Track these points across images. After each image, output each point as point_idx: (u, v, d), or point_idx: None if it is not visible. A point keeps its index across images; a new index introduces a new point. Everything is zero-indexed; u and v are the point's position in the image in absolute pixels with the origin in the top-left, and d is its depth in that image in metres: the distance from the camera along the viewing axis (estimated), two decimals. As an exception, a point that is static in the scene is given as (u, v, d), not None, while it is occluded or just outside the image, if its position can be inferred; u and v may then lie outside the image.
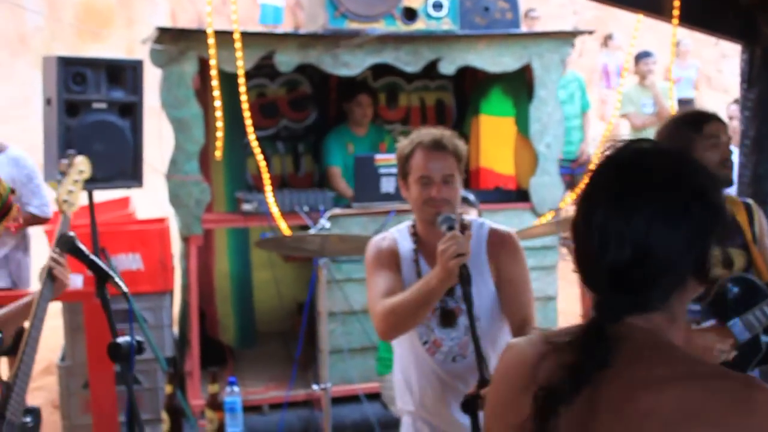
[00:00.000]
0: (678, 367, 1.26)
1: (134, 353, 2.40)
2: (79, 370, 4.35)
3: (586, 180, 1.39)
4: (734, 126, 5.01)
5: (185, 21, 10.58)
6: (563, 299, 5.44)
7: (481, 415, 2.32)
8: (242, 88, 4.53)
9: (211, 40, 4.40)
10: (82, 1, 11.62)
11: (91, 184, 3.55)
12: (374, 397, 4.51)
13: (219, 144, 4.58)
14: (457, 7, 4.91)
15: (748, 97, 4.34)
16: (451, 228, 2.48)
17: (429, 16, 4.84)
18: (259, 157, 4.65)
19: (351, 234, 4.47)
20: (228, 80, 4.68)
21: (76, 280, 3.73)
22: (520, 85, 5.31)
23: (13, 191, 2.59)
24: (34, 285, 5.09)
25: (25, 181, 5.05)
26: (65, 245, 2.59)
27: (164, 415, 4.02)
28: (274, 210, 4.59)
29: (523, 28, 6.10)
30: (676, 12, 4.26)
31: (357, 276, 4.72)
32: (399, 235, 2.77)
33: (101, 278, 2.52)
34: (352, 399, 4.66)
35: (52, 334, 4.31)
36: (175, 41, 4.54)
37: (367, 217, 4.80)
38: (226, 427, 4.11)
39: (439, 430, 2.75)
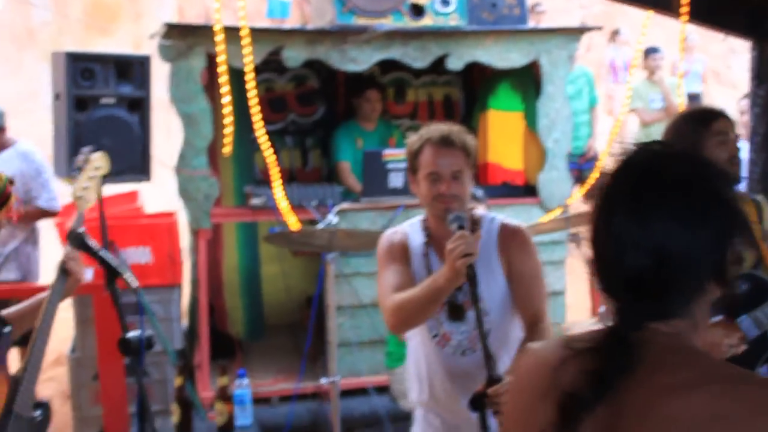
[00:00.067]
0: (704, 372, 1.25)
1: (144, 348, 2.41)
2: (89, 361, 4.37)
3: (600, 185, 1.37)
4: (745, 121, 5.00)
5: (192, 15, 10.59)
6: (571, 294, 5.45)
7: (489, 413, 2.34)
8: (250, 85, 4.54)
9: (219, 37, 4.41)
10: (89, -5, 11.63)
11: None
12: (383, 390, 4.54)
13: (228, 140, 4.59)
14: (464, 3, 4.90)
15: (757, 93, 4.33)
16: (460, 227, 2.49)
17: (437, 12, 4.85)
18: (268, 152, 4.66)
19: (359, 230, 4.48)
20: (236, 75, 4.69)
21: (86, 273, 3.76)
22: (528, 81, 5.31)
23: (11, 181, 2.59)
24: (44, 278, 5.13)
25: (34, 175, 5.08)
26: (75, 242, 2.60)
27: (174, 407, 4.06)
28: (283, 205, 4.60)
29: (530, 23, 6.09)
30: (685, 9, 4.26)
31: (365, 270, 4.75)
32: (411, 229, 2.78)
33: (111, 274, 2.53)
34: (361, 392, 4.69)
35: (63, 326, 4.34)
36: (183, 37, 4.56)
37: (375, 212, 4.81)
38: (236, 418, 4.16)
39: (450, 424, 2.77)
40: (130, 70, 4.16)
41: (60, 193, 5.21)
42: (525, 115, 5.40)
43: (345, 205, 4.77)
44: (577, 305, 6.09)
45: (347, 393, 4.50)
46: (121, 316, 2.50)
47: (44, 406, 2.63)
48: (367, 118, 5.46)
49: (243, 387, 4.20)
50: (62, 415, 4.96)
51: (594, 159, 7.27)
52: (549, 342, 1.45)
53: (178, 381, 4.05)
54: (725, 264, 1.30)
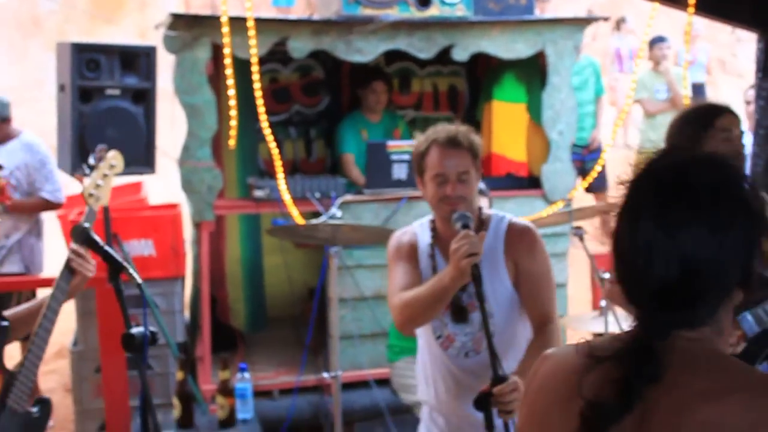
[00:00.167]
0: (735, 377, 1.24)
1: (147, 344, 2.41)
2: (91, 354, 4.39)
3: (624, 194, 1.34)
4: (751, 111, 4.96)
5: (198, 5, 10.55)
6: (573, 286, 5.45)
7: (494, 412, 2.34)
8: (256, 76, 4.52)
9: (225, 28, 4.39)
10: (94, -17, 11.61)
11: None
12: (384, 383, 4.54)
13: (233, 132, 4.58)
14: (470, -6, 4.88)
15: (762, 86, 4.30)
16: (465, 226, 2.49)
17: (443, 3, 4.82)
18: (272, 144, 4.65)
19: (362, 224, 4.47)
20: (240, 65, 4.67)
21: (93, 269, 3.76)
22: (533, 72, 5.29)
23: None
24: (48, 270, 5.14)
25: (38, 166, 5.09)
26: (79, 236, 2.59)
27: (176, 401, 4.07)
28: (286, 197, 4.60)
29: (536, 12, 6.06)
30: (692, 0, 4.23)
31: (368, 262, 4.74)
32: (420, 229, 2.79)
33: (115, 269, 2.52)
34: (362, 385, 4.69)
35: (65, 319, 4.34)
36: (189, 27, 4.54)
37: (378, 204, 4.80)
38: (237, 412, 4.16)
39: (453, 425, 2.78)
40: (136, 61, 4.15)
41: (64, 184, 5.22)
42: (529, 106, 5.38)
43: (348, 197, 4.76)
44: (578, 297, 6.09)
45: (348, 386, 4.50)
46: (125, 312, 2.49)
47: (44, 403, 2.63)
48: (373, 109, 5.44)
49: (244, 381, 4.21)
50: (64, 408, 4.98)
51: (598, 150, 7.25)
52: (566, 347, 1.42)
53: (180, 375, 4.05)
54: (752, 269, 1.29)
